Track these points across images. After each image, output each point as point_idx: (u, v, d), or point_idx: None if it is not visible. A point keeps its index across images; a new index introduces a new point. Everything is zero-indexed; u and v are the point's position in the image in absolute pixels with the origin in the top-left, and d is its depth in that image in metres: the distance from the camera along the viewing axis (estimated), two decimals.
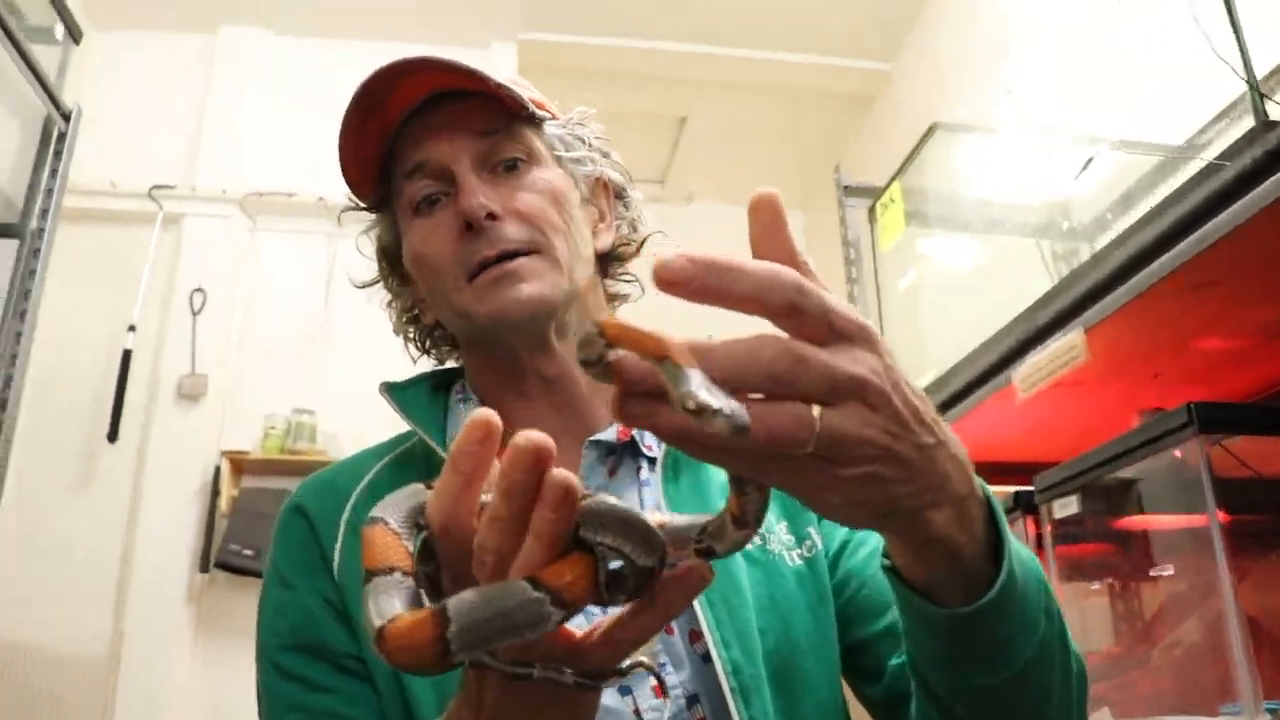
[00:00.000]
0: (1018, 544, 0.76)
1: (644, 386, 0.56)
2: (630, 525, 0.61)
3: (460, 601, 0.58)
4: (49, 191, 3.04)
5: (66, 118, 3.11)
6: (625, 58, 5.09)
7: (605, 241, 1.21)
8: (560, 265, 1.09)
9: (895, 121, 5.04)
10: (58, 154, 3.10)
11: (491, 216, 1.07)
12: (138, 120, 5.02)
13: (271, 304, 4.94)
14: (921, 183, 2.91)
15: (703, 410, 0.52)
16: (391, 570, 0.62)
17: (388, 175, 1.15)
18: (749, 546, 0.94)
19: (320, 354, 4.84)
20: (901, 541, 0.72)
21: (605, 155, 1.22)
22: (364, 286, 1.27)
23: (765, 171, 6.07)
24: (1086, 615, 1.86)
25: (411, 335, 1.26)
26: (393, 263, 1.21)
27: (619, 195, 1.24)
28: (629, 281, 1.26)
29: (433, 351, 1.27)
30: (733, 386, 0.55)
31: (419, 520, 0.66)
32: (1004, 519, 0.74)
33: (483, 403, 1.17)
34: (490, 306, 1.07)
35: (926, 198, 2.92)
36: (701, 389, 0.53)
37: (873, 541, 1.10)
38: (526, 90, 1.16)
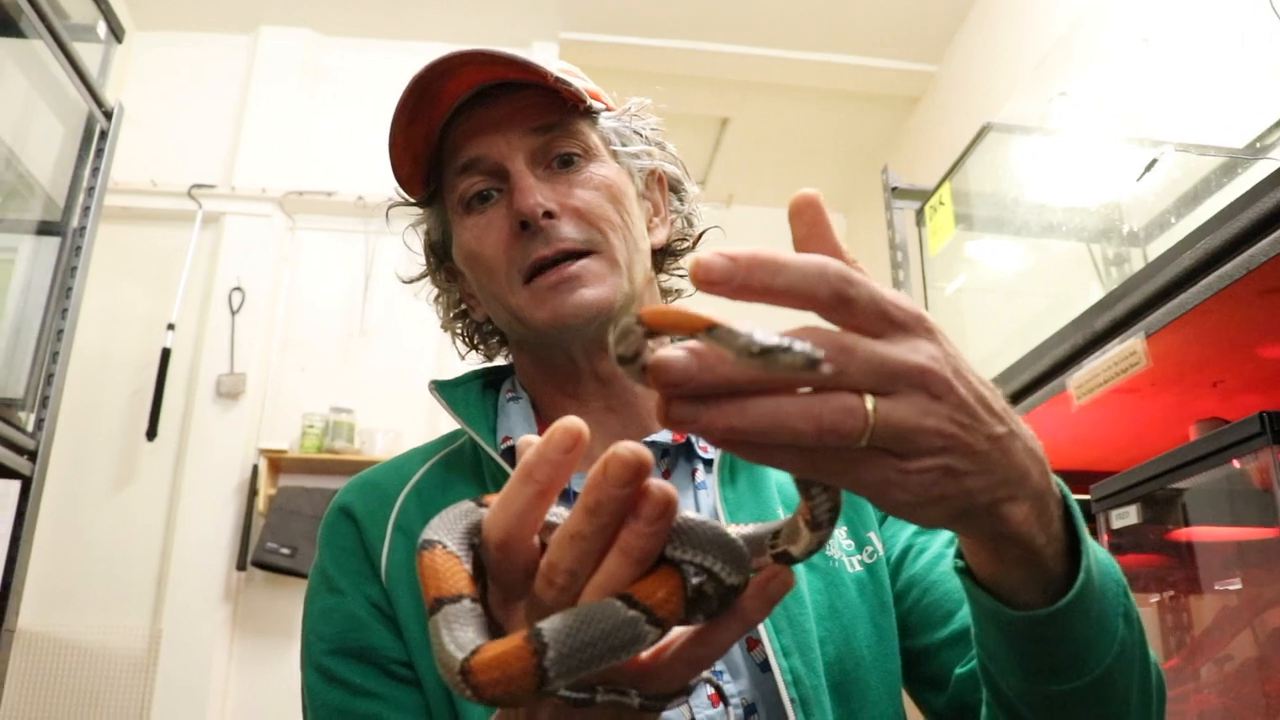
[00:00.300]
0: (1095, 544, 0.73)
1: (687, 387, 0.52)
2: (719, 541, 0.58)
3: (555, 626, 0.54)
4: (90, 189, 3.04)
5: (109, 115, 3.11)
6: (667, 59, 5.07)
7: (660, 236, 1.18)
8: (619, 265, 1.06)
9: (940, 123, 4.98)
10: (99, 152, 3.10)
11: (548, 215, 1.04)
12: (178, 119, 5.05)
13: (310, 303, 4.96)
14: (969, 185, 2.87)
15: (770, 351, 0.48)
16: (460, 597, 0.58)
17: (437, 170, 1.12)
18: None
19: (358, 353, 4.86)
20: (977, 541, 0.69)
21: (661, 147, 1.19)
22: (410, 281, 1.24)
23: (807, 173, 6.03)
24: (1146, 628, 1.81)
25: (459, 330, 1.23)
26: (440, 258, 1.18)
27: (674, 189, 1.21)
28: (683, 276, 1.23)
29: (481, 347, 1.24)
30: (718, 372, 0.52)
31: (474, 541, 0.62)
32: (1081, 517, 0.71)
33: (533, 402, 1.15)
34: (549, 313, 1.04)
35: (975, 200, 2.88)
36: (759, 332, 0.49)
37: (935, 546, 1.06)
38: (581, 81, 1.13)
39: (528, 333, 1.09)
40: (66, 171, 3.07)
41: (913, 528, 1.07)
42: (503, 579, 0.61)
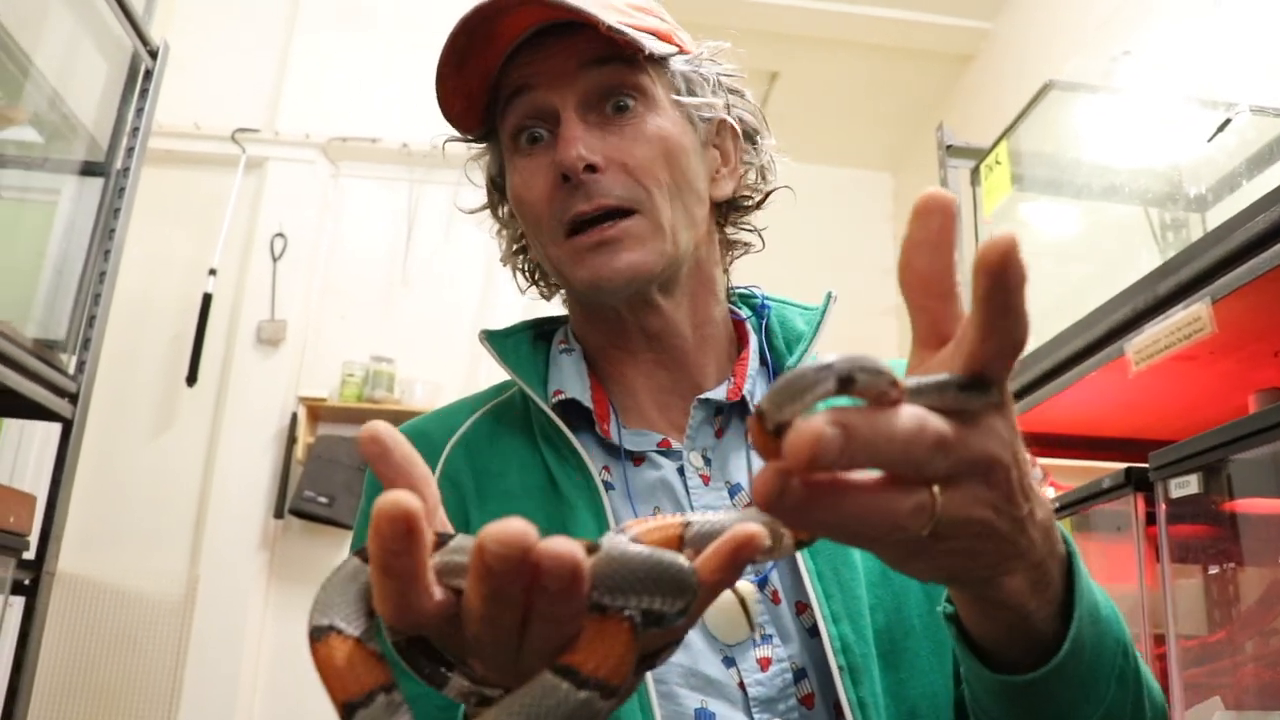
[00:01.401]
0: (1101, 598, 0.73)
1: (819, 465, 0.47)
2: (654, 576, 0.51)
3: None
4: (135, 130, 3.02)
5: (154, 55, 3.09)
6: (716, 9, 4.99)
7: (726, 189, 1.11)
8: (662, 228, 1.01)
9: (993, 83, 4.90)
10: (144, 92, 3.07)
11: (591, 169, 0.99)
12: (222, 62, 5.01)
13: (352, 251, 4.96)
14: (1024, 145, 2.81)
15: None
16: (371, 696, 0.51)
17: (493, 106, 1.07)
18: None
19: (400, 302, 4.86)
20: (968, 600, 0.67)
21: (736, 94, 1.12)
22: (472, 212, 1.20)
23: (855, 131, 5.96)
24: (1188, 598, 1.78)
25: (520, 266, 1.19)
26: (501, 191, 1.14)
27: (749, 138, 1.14)
28: (750, 230, 1.17)
29: (540, 283, 1.20)
30: (861, 463, 0.48)
31: (370, 603, 0.54)
32: (1083, 579, 0.69)
33: (586, 356, 1.11)
34: (588, 274, 1.00)
35: (1030, 160, 2.82)
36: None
37: None
38: (650, 17, 1.07)
39: (570, 286, 1.06)
40: (110, 112, 3.05)
41: None
42: (437, 638, 0.57)
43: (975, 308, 0.52)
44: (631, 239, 1.00)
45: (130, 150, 2.99)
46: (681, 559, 0.51)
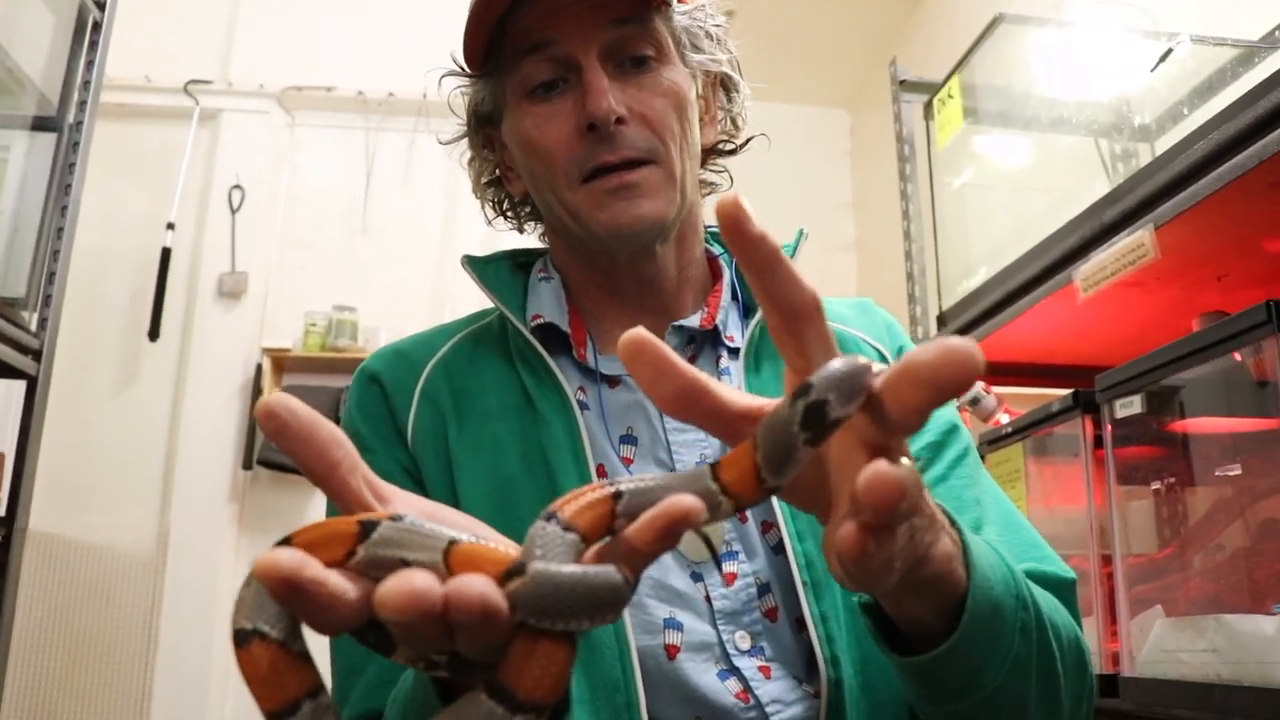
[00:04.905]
0: (990, 560, 0.75)
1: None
2: (585, 597, 0.49)
3: None
4: (85, 84, 2.98)
5: (101, 6, 3.05)
6: None
7: (709, 137, 1.17)
8: (674, 179, 1.05)
9: (947, 15, 4.90)
10: (93, 44, 3.03)
11: (619, 121, 1.02)
12: (172, 13, 4.94)
13: (310, 201, 4.94)
14: (977, 78, 2.83)
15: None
16: (297, 705, 0.51)
17: (496, 46, 1.08)
18: None
19: (360, 251, 4.85)
20: (903, 586, 0.67)
21: (724, 46, 1.16)
22: (448, 143, 1.22)
23: (811, 67, 5.94)
24: (1139, 517, 1.84)
25: (490, 197, 1.22)
26: (484, 125, 1.16)
27: (726, 87, 1.19)
28: (720, 173, 1.22)
29: (510, 216, 1.23)
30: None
31: None
32: (974, 546, 0.73)
33: (565, 284, 1.15)
34: (609, 218, 1.03)
35: (983, 94, 2.84)
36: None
37: (948, 456, 1.05)
38: None
39: (581, 231, 1.07)
40: (59, 66, 3.01)
41: (920, 442, 1.06)
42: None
43: (751, 284, 0.56)
44: (649, 186, 1.03)
45: (82, 104, 2.96)
46: (611, 572, 0.50)
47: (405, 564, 0.51)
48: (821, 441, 0.52)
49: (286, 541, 0.53)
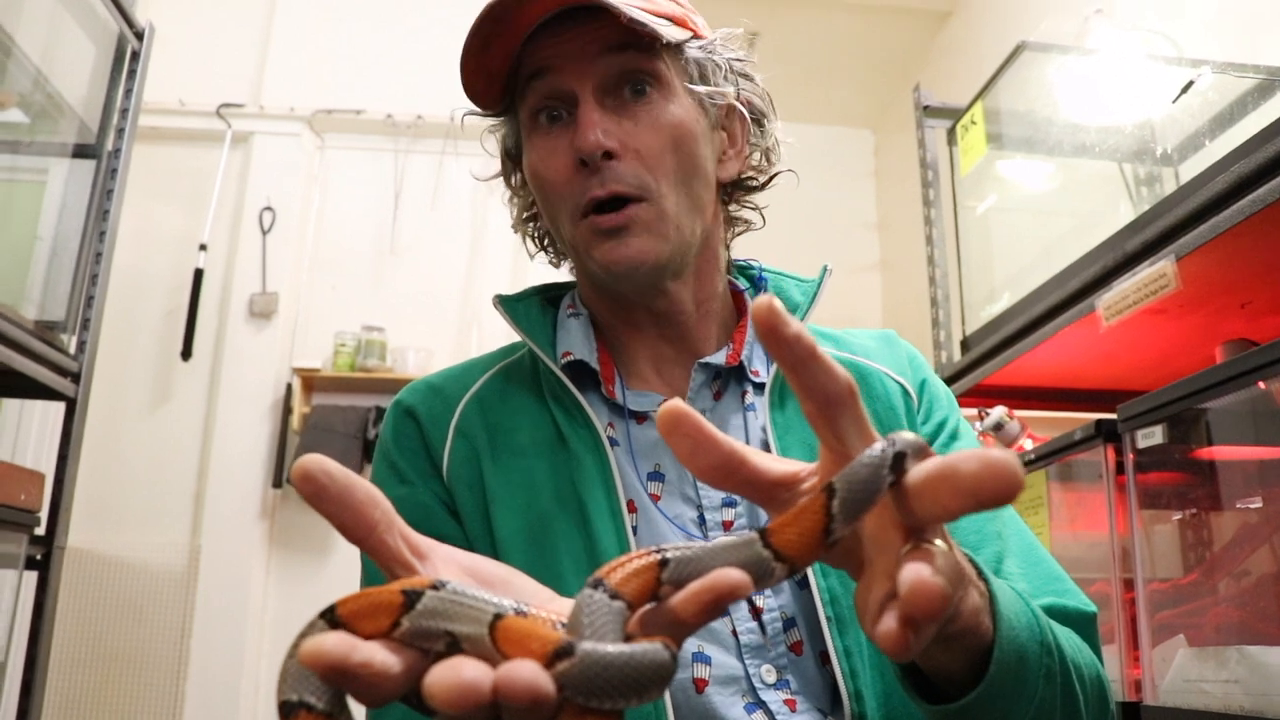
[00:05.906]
0: (1015, 606, 0.76)
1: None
2: (634, 677, 0.49)
3: None
4: (124, 111, 3.05)
5: (140, 36, 3.11)
6: None
7: (731, 170, 1.15)
8: (667, 217, 1.05)
9: (971, 40, 4.91)
10: (131, 73, 3.10)
11: (608, 156, 1.03)
12: (205, 38, 5.03)
13: (340, 222, 4.99)
14: (1001, 104, 2.84)
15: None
16: None
17: (512, 83, 1.10)
18: None
19: (389, 271, 4.90)
20: (931, 643, 0.68)
21: (746, 78, 1.16)
22: (488, 180, 1.24)
23: (836, 88, 5.96)
24: (1162, 544, 1.84)
25: (530, 232, 1.23)
26: (515, 162, 1.17)
27: (756, 121, 1.17)
28: (753, 209, 1.22)
29: (549, 250, 1.24)
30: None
31: None
32: (999, 590, 0.74)
33: (593, 320, 1.17)
34: (602, 257, 1.05)
35: (1007, 119, 2.85)
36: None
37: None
38: (667, 2, 1.10)
39: (589, 264, 1.09)
40: (98, 94, 3.07)
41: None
42: None
43: (788, 377, 0.58)
44: (638, 225, 1.04)
45: (120, 131, 3.02)
46: (659, 650, 0.50)
47: (450, 635, 0.51)
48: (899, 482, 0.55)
49: (330, 611, 0.53)
